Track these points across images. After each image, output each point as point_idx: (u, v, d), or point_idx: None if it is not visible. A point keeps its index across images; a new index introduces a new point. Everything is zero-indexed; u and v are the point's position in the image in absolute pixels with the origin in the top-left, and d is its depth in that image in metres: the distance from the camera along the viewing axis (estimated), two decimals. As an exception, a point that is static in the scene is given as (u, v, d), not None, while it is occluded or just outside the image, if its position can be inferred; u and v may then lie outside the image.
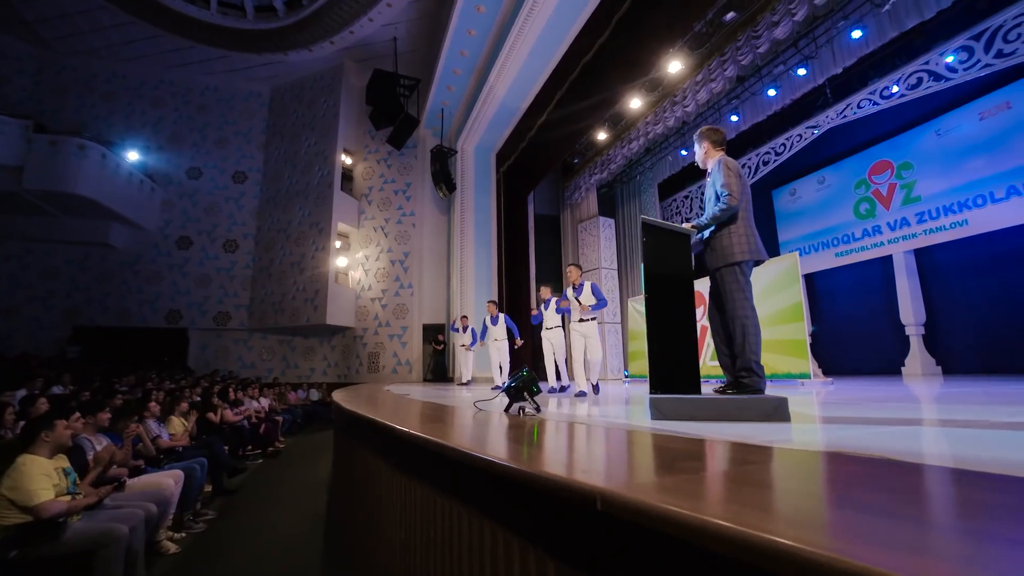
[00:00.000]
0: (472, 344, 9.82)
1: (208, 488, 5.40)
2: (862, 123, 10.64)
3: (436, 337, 13.62)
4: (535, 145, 12.20)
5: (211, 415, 6.85)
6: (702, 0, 7.86)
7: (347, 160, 14.75)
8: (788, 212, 12.71)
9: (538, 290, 9.27)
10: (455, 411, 3.30)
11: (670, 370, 2.60)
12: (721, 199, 2.81)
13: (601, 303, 5.04)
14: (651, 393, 2.53)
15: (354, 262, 14.48)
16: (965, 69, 8.17)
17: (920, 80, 8.77)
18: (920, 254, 10.06)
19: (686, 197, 14.44)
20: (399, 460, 2.28)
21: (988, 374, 8.61)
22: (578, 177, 14.37)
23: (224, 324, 14.25)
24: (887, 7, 7.70)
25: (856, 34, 8.13)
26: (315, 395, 13.04)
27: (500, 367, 9.34)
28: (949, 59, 8.35)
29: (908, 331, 9.91)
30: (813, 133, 10.79)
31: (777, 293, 6.50)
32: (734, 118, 10.71)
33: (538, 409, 2.84)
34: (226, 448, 6.23)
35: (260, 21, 13.27)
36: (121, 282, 13.84)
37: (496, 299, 12.83)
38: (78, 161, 11.81)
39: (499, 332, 9.28)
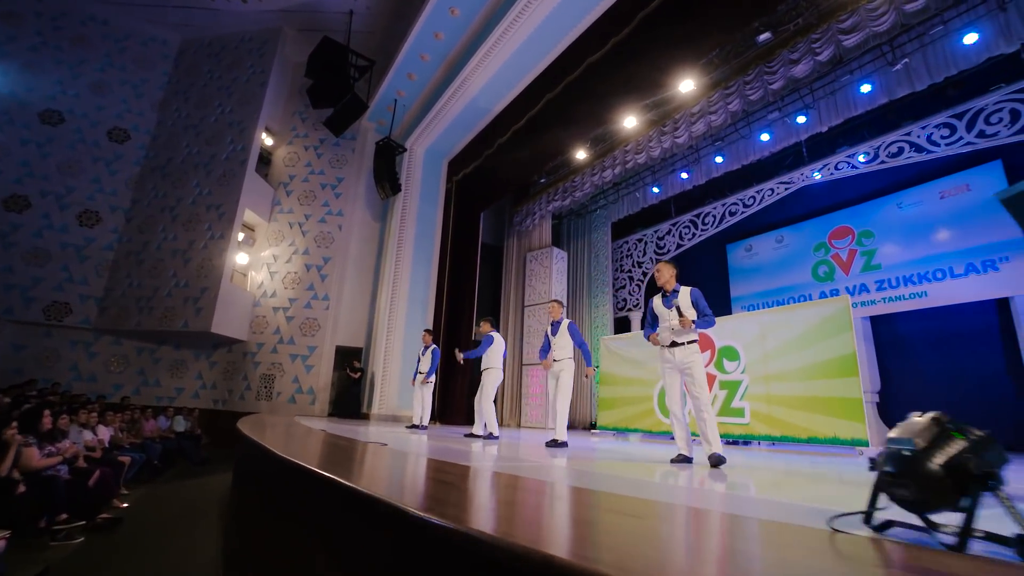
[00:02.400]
0: (429, 374, 7.92)
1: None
2: (824, 188, 10.80)
3: (352, 363, 11.28)
4: (500, 157, 10.87)
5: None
6: (714, 29, 7.28)
7: (267, 140, 12.29)
8: (743, 268, 12.54)
9: (478, 325, 7.87)
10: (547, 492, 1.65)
11: None
12: None
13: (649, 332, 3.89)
14: None
15: (258, 261, 11.80)
16: (947, 144, 8.36)
17: (901, 149, 8.90)
18: (876, 321, 10.10)
19: (639, 240, 13.88)
20: None
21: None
22: (532, 202, 13.23)
23: (59, 318, 10.65)
24: (899, 66, 7.64)
25: (865, 88, 8.01)
26: (181, 424, 9.92)
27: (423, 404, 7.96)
28: (931, 132, 8.54)
29: (863, 398, 9.73)
30: (786, 189, 10.70)
31: (822, 341, 5.59)
32: (719, 159, 10.31)
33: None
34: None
35: (182, -48, 10.81)
36: (-97, 244, 9.84)
37: (431, 327, 10.98)
38: None
39: (425, 366, 7.89)
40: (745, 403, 6.29)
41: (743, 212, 11.46)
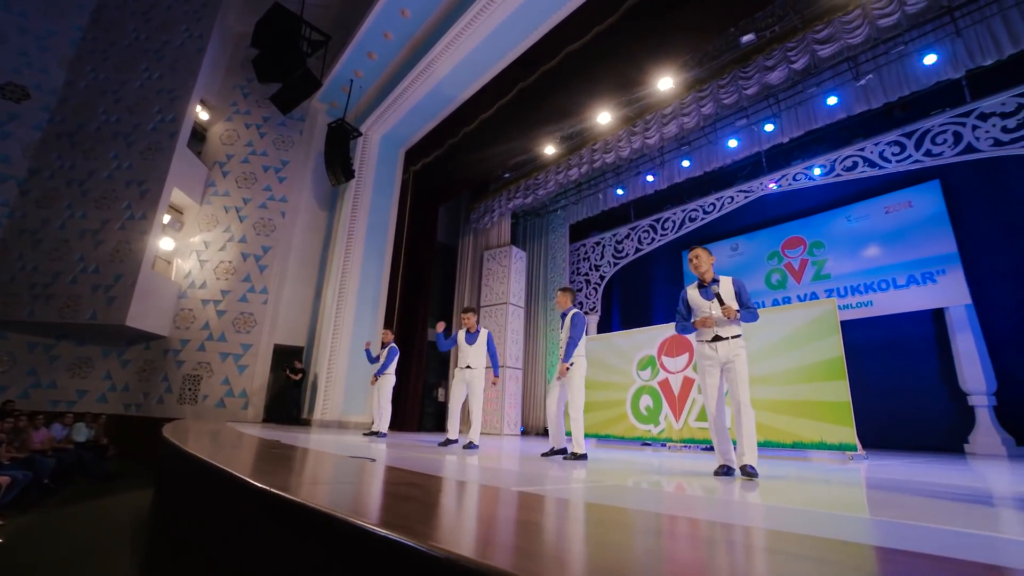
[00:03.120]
0: (381, 371, 7.32)
1: None
2: (779, 198, 11.17)
3: (292, 363, 10.24)
4: (465, 148, 10.34)
5: None
6: (697, 27, 7.21)
7: (203, 114, 11.02)
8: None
9: (434, 326, 7.39)
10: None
11: None
12: None
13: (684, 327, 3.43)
14: None
15: (186, 247, 10.50)
16: (898, 161, 8.80)
17: (856, 164, 9.28)
18: (825, 329, 10.49)
19: (597, 243, 13.78)
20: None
21: (884, 450, 8.88)
22: (492, 199, 12.77)
23: (-73, 307, 8.87)
24: (863, 81, 7.92)
25: (832, 100, 8.24)
26: (82, 433, 8.47)
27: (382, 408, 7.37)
28: (883, 149, 8.97)
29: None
30: (745, 198, 10.92)
31: (809, 343, 5.50)
32: (686, 163, 10.34)
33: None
34: None
35: None
36: None
37: (385, 326, 10.22)
38: None
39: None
40: (726, 408, 6.11)
41: (703, 219, 11.61)
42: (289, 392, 10.18)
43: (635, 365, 7.44)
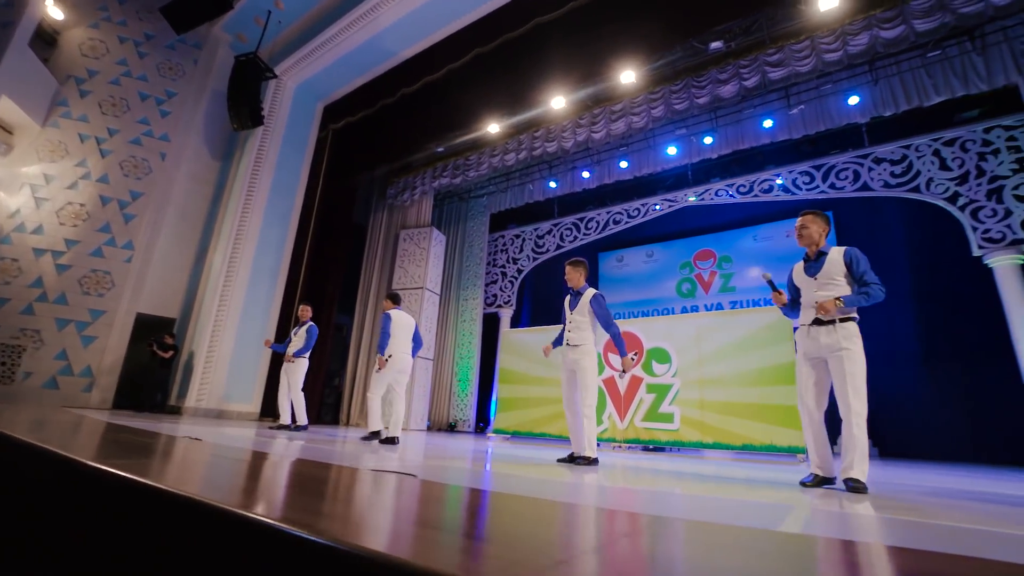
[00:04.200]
0: (300, 353, 6.24)
1: None
2: (697, 211, 11.79)
3: (162, 338, 8.40)
4: (399, 112, 9.32)
5: None
6: (670, 25, 7.19)
7: (56, 12, 8.59)
8: (613, 277, 13.00)
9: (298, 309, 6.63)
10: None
11: None
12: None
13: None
14: None
15: (12, 178, 8.09)
16: (807, 190, 9.67)
17: (772, 187, 10.04)
18: (726, 338, 11.27)
19: (517, 236, 13.45)
20: None
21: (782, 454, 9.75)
22: (415, 175, 11.78)
23: None
24: (795, 111, 8.52)
25: (767, 123, 8.74)
26: None
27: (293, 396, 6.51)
28: (796, 177, 9.81)
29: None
30: (669, 207, 11.32)
31: (762, 348, 5.61)
32: (624, 164, 10.39)
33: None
34: None
35: None
36: None
37: (289, 301, 8.87)
38: None
39: (299, 344, 6.27)
40: (675, 408, 6.09)
41: (627, 222, 11.84)
42: (154, 373, 8.32)
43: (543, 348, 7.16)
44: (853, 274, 2.84)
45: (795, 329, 3.20)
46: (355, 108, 9.56)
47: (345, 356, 11.34)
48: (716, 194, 10.74)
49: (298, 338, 6.51)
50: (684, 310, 11.69)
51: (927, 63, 8.10)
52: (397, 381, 5.27)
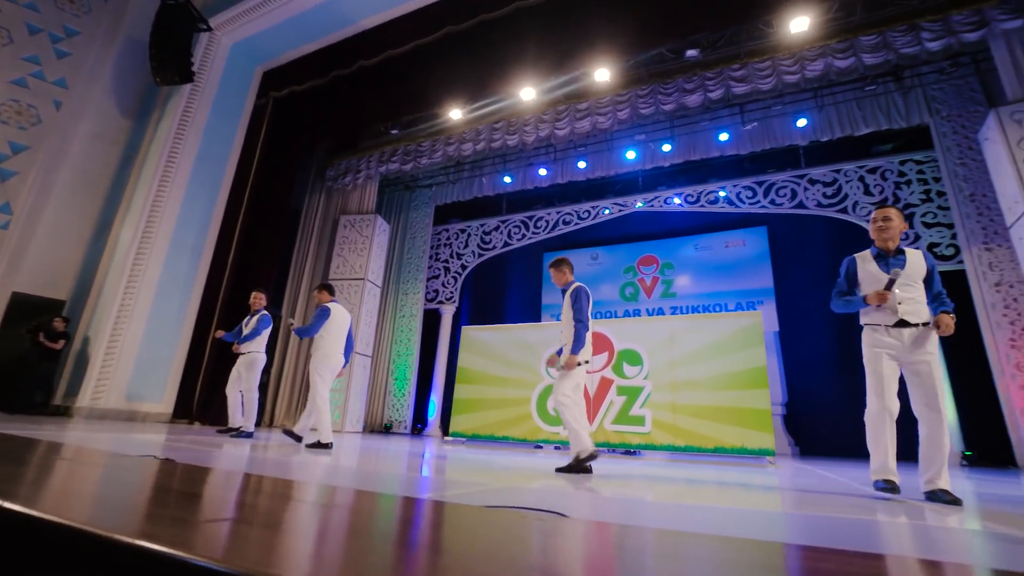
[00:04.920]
0: (246, 340, 5.48)
1: None
2: (641, 217, 12.10)
3: (50, 324, 7.01)
4: (354, 86, 8.57)
5: None
6: (650, 28, 7.25)
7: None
8: (557, 277, 12.97)
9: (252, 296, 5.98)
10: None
11: None
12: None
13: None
14: None
15: None
16: (750, 203, 10.24)
17: (718, 199, 10.52)
18: (665, 342, 11.66)
19: (462, 231, 13.01)
20: None
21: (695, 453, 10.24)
22: (361, 157, 10.94)
23: None
24: (749, 127, 8.96)
25: (723, 136, 9.09)
26: None
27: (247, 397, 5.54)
28: (740, 191, 10.36)
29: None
30: (620, 211, 11.49)
31: (735, 353, 5.73)
32: (582, 164, 10.36)
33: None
34: None
35: None
36: None
37: (212, 287, 7.84)
38: None
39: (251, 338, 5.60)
40: (646, 411, 6.07)
41: (576, 224, 11.86)
42: (34, 366, 6.91)
43: (544, 362, 6.95)
44: (931, 280, 2.81)
45: (861, 326, 3.02)
46: (302, 76, 8.63)
47: (272, 351, 10.24)
48: (665, 201, 11.07)
49: (249, 329, 5.69)
50: (627, 314, 11.93)
51: (859, 97, 8.88)
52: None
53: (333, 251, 10.73)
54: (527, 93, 8.27)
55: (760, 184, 10.22)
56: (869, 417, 2.82)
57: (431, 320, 12.54)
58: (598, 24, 7.09)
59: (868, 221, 9.03)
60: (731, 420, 5.59)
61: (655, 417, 5.99)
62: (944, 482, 2.54)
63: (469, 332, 7.78)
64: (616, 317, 11.94)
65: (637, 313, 11.93)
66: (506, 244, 12.51)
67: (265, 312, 5.98)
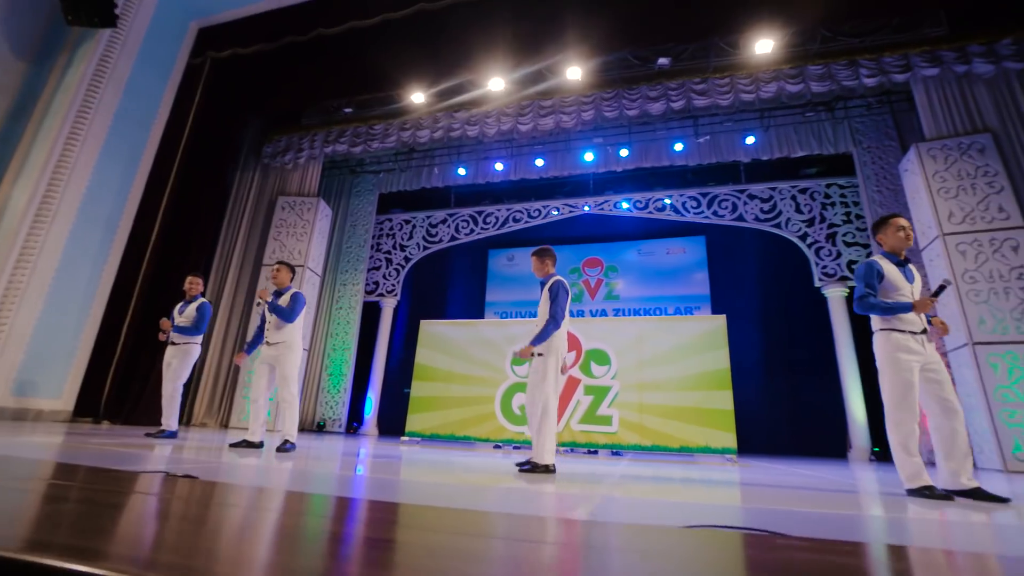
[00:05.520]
0: (189, 332, 4.89)
1: None
2: (588, 220, 12.31)
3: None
4: (308, 55, 7.88)
5: None
6: (623, 30, 7.35)
7: None
8: (502, 275, 12.87)
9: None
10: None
11: None
12: None
13: None
14: None
15: None
16: (695, 213, 10.76)
17: (665, 207, 10.94)
18: (607, 342, 11.94)
19: (407, 221, 12.50)
20: None
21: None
22: (306, 135, 10.11)
23: None
24: (702, 139, 9.39)
25: (679, 146, 9.45)
26: None
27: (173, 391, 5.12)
28: (685, 200, 10.85)
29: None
30: (570, 211, 11.59)
31: (700, 355, 5.94)
32: (539, 162, 10.30)
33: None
34: None
35: None
36: None
37: (137, 263, 6.89)
38: None
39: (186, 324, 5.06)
40: (613, 410, 6.12)
41: (527, 222, 11.81)
42: None
43: (509, 359, 6.79)
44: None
45: (883, 332, 3.07)
46: (249, 39, 7.76)
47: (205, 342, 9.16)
48: (615, 206, 11.33)
49: (188, 320, 5.00)
50: (571, 314, 12.05)
51: (796, 122, 9.63)
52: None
53: (269, 234, 9.82)
54: (495, 83, 8.06)
55: (704, 195, 10.77)
56: (900, 426, 2.81)
57: (370, 313, 11.91)
58: (572, 18, 7.05)
59: (797, 237, 9.83)
60: (696, 420, 5.78)
61: (622, 417, 6.06)
62: (966, 476, 2.66)
63: (428, 327, 7.43)
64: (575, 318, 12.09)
65: (581, 314, 12.11)
66: (453, 238, 12.19)
67: (204, 300, 5.32)
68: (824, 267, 9.60)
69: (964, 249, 6.93)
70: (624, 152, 9.85)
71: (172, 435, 4.91)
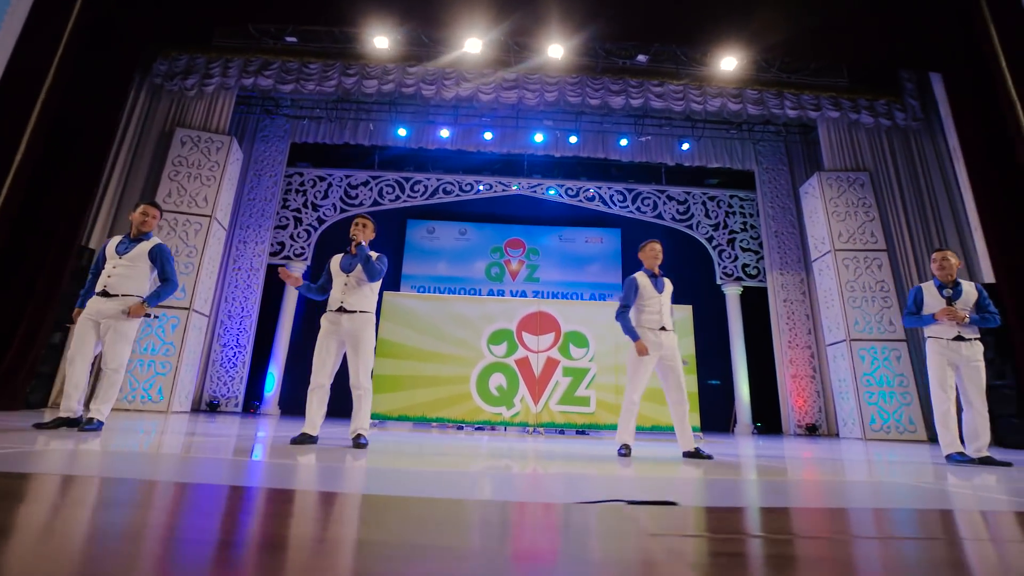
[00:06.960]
0: (154, 300, 3.72)
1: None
2: (515, 200, 12.33)
3: None
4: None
5: None
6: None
7: None
8: (421, 248, 12.29)
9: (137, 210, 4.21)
10: None
11: None
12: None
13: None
14: None
15: None
16: (620, 206, 11.44)
17: (594, 196, 11.44)
18: (526, 323, 12.18)
19: (323, 178, 11.17)
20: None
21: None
22: (216, 59, 8.35)
23: None
24: (644, 138, 9.99)
25: (623, 142, 9.92)
26: None
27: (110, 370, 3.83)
28: (613, 194, 11.47)
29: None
30: (503, 190, 11.47)
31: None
32: (488, 135, 9.96)
33: None
34: None
35: None
36: None
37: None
38: None
39: (141, 282, 4.03)
40: (591, 391, 6.34)
41: (457, 195, 11.39)
42: None
43: (485, 338, 6.57)
44: (980, 303, 3.69)
45: (924, 337, 3.83)
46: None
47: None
48: (546, 191, 11.52)
49: (138, 270, 3.77)
50: (491, 293, 12.04)
51: (715, 136, 10.78)
52: None
53: (163, 173, 7.99)
54: (473, 44, 7.55)
55: (630, 191, 11.51)
56: (939, 408, 3.63)
57: (274, 277, 10.47)
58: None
59: (705, 239, 11.07)
60: (665, 401, 6.27)
61: (599, 398, 6.31)
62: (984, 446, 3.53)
63: (392, 299, 6.80)
64: (479, 295, 11.98)
65: (501, 293, 12.17)
66: (376, 203, 11.24)
67: (160, 242, 4.06)
68: (724, 267, 10.99)
69: (848, 263, 8.55)
70: (573, 139, 10.02)
71: (99, 426, 3.67)
